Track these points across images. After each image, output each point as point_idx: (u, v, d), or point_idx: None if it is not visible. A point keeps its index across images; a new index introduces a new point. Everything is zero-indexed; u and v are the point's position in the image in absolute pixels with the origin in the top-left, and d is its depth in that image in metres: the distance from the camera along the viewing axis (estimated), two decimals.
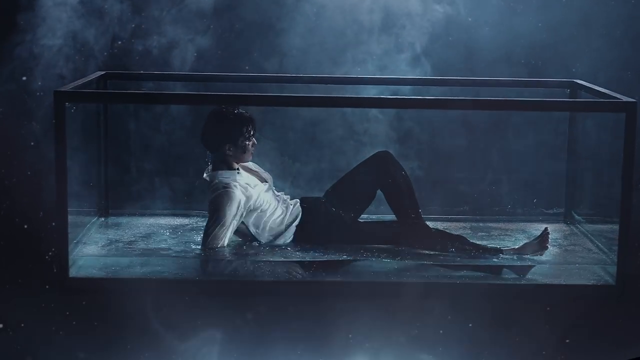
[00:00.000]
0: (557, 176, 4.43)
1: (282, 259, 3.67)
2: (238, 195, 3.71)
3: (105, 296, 3.33)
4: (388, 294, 3.43)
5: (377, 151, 3.99)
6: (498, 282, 3.54)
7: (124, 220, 4.21)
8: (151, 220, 4.21)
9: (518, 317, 3.29)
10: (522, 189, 4.60)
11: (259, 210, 3.79)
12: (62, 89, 3.44)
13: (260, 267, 3.60)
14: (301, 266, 3.63)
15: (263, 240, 3.82)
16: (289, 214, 3.85)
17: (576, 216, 4.29)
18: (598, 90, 3.83)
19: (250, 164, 3.95)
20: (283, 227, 3.83)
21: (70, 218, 3.41)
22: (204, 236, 3.74)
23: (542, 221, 4.21)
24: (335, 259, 3.67)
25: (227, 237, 3.71)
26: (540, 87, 4.25)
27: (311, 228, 3.84)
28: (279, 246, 3.80)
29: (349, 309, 3.29)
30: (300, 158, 4.61)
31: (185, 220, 4.22)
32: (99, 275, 3.49)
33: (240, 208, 3.72)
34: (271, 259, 3.66)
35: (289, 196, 3.97)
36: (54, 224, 3.39)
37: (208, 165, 3.89)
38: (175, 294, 3.36)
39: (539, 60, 4.58)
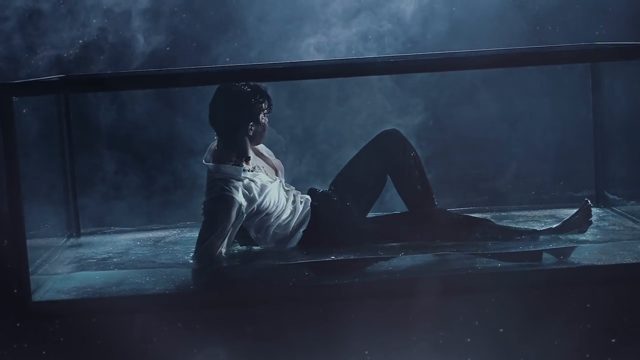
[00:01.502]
0: (583, 154, 4.01)
1: (287, 262, 3.24)
2: (238, 199, 3.26)
3: (79, 323, 2.87)
4: (407, 295, 2.93)
5: (382, 130, 3.54)
6: (538, 268, 3.04)
7: (97, 238, 3.79)
8: (129, 236, 3.77)
9: (563, 308, 2.85)
10: (546, 171, 4.15)
11: (263, 214, 3.33)
12: (8, 82, 2.99)
13: (262, 273, 3.18)
14: (310, 268, 3.18)
15: (263, 246, 3.38)
16: (297, 216, 3.39)
17: (610, 196, 3.86)
18: (624, 44, 3.37)
19: (262, 147, 3.51)
20: (288, 231, 3.37)
21: (34, 241, 3.07)
22: (197, 244, 3.29)
23: (572, 206, 3.68)
24: (347, 258, 3.19)
25: (223, 245, 3.26)
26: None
27: (320, 230, 3.38)
28: (283, 250, 3.37)
29: (362, 316, 2.86)
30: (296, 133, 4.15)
31: (166, 233, 3.79)
32: (70, 298, 2.99)
33: (240, 214, 3.27)
34: (274, 262, 3.25)
35: (299, 192, 3.50)
36: None
37: (213, 142, 3.43)
38: (165, 310, 2.90)
39: (556, 26, 4.11)
